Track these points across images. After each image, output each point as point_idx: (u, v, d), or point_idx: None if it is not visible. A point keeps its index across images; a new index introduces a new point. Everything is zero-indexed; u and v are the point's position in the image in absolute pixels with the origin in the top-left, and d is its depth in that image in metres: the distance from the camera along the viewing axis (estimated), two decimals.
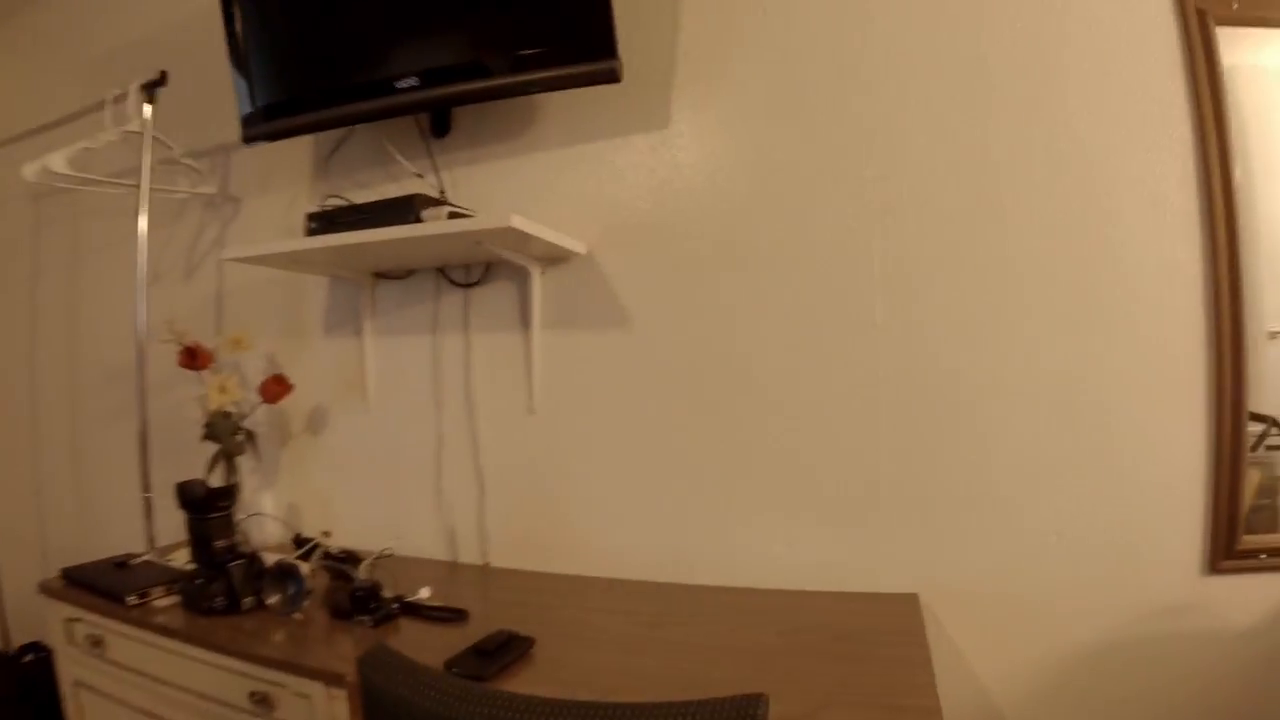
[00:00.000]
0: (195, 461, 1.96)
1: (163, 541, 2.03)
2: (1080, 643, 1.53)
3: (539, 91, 1.72)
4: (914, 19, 1.60)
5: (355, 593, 1.51)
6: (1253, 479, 1.46)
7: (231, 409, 1.96)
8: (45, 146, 2.12)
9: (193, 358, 1.98)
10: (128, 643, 1.63)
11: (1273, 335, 1.44)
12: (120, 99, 2.09)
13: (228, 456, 1.97)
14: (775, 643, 1.38)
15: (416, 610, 1.55)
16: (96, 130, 2.06)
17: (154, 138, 2.09)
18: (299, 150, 2.17)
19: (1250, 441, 1.45)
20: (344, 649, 1.39)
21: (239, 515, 1.76)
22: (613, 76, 1.61)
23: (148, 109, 2.06)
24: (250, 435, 2.03)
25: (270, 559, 1.62)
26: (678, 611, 1.55)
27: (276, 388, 2.00)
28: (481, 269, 1.95)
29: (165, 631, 1.55)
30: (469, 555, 1.97)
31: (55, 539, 2.76)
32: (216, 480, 1.91)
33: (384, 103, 1.80)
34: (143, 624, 1.58)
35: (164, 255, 2.39)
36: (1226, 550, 1.45)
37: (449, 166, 1.98)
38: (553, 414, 1.89)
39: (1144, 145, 1.47)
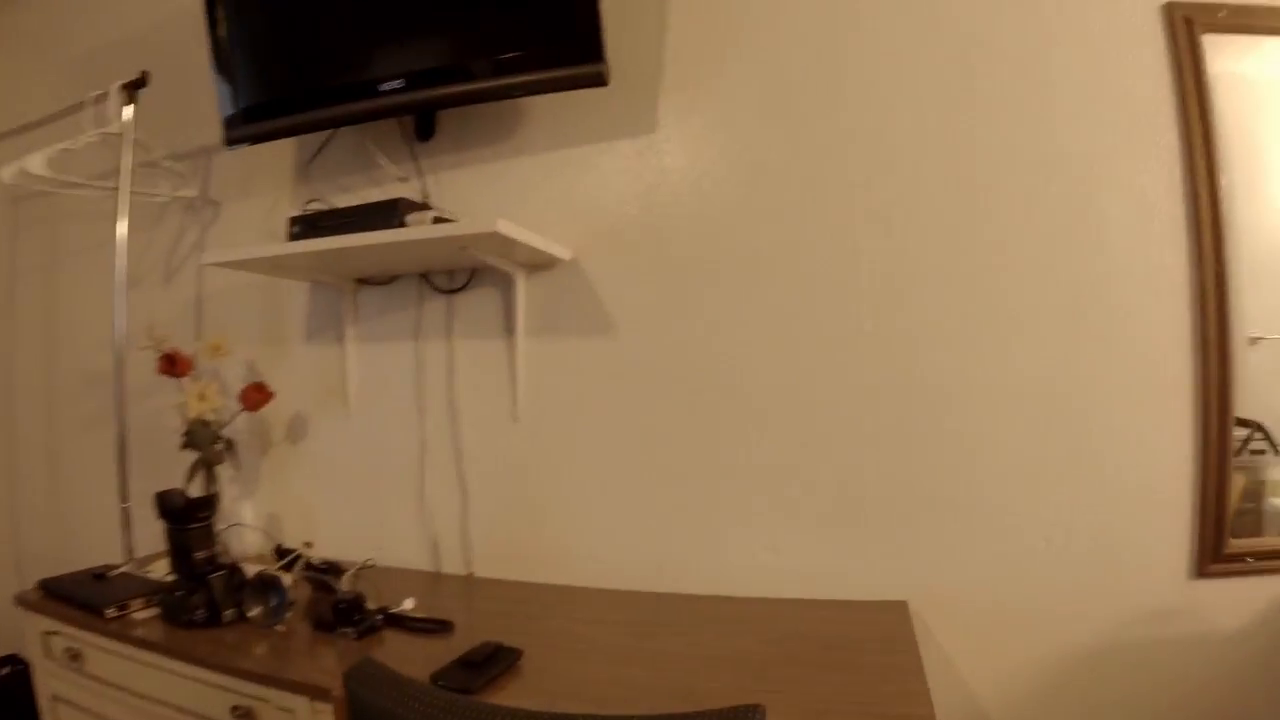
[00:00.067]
0: (174, 470, 1.92)
1: (141, 552, 1.99)
2: (1069, 648, 1.53)
3: (527, 94, 1.70)
4: (902, 25, 1.60)
5: (338, 604, 1.49)
6: (1237, 483, 1.47)
7: (211, 417, 1.94)
8: (24, 148, 2.09)
9: (172, 364, 1.95)
10: (107, 656, 1.60)
11: (1253, 341, 1.45)
12: (100, 100, 2.06)
13: (207, 465, 1.94)
14: (765, 652, 1.36)
15: (401, 622, 1.53)
16: (76, 132, 2.04)
17: (134, 140, 2.06)
18: (281, 154, 2.15)
19: (1234, 446, 1.46)
20: (328, 662, 1.37)
21: (219, 525, 1.73)
22: (599, 80, 1.60)
23: (128, 110, 2.04)
24: (230, 444, 2.00)
25: (251, 570, 1.60)
26: (665, 621, 1.54)
27: (257, 395, 1.97)
28: (465, 275, 1.93)
29: (145, 645, 1.52)
30: (452, 565, 1.95)
31: (30, 549, 2.71)
32: (196, 490, 1.88)
33: (367, 105, 1.79)
34: (122, 637, 1.55)
35: (143, 259, 2.36)
36: (1214, 554, 1.46)
37: (433, 170, 1.96)
38: (537, 422, 1.88)
39: (1131, 151, 1.48)
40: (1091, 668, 1.52)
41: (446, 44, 1.71)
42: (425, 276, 1.98)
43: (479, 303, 1.93)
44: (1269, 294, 1.46)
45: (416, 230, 1.58)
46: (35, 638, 1.75)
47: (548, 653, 1.37)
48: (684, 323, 1.74)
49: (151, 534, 1.80)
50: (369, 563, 1.77)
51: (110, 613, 1.59)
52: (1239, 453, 1.47)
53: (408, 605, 1.58)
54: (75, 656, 1.67)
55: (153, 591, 1.66)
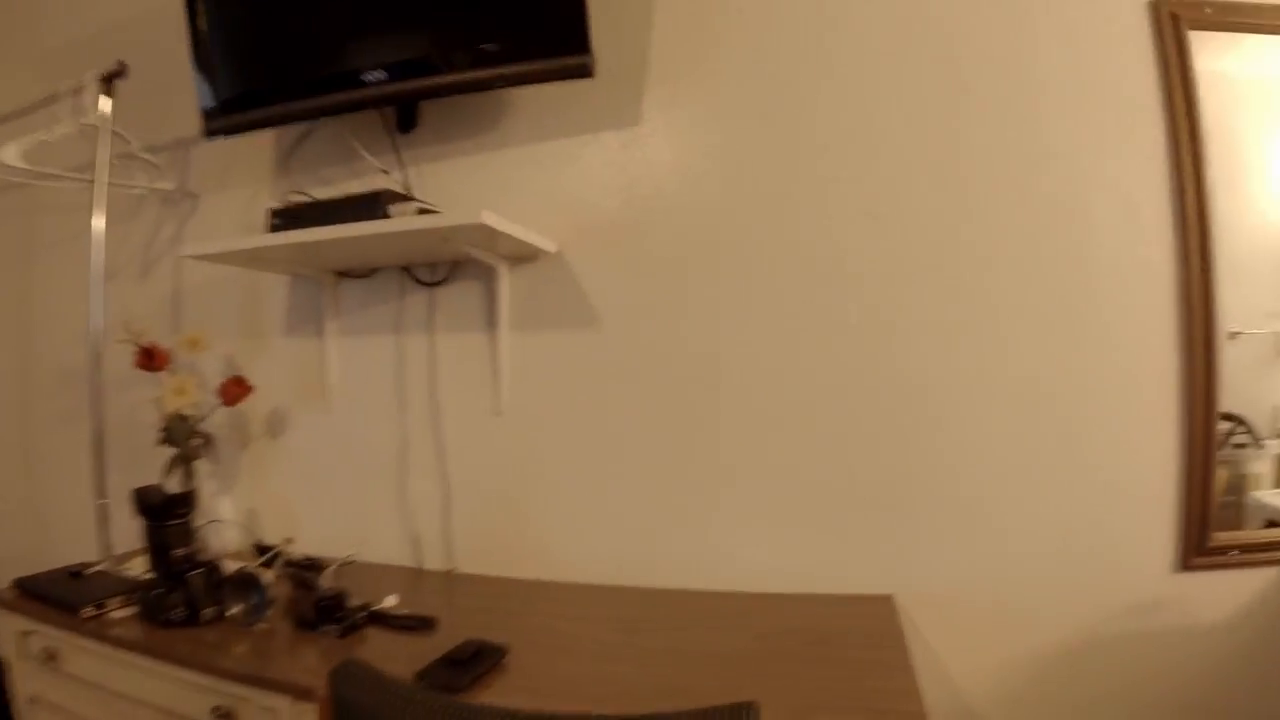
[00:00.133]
0: (152, 466, 1.90)
1: (119, 550, 1.96)
2: (1055, 641, 1.54)
3: (512, 85, 1.68)
4: (888, 21, 1.60)
5: (320, 602, 1.47)
6: (1220, 477, 1.48)
7: (189, 411, 1.91)
8: None
9: (150, 358, 1.92)
10: (84, 656, 1.57)
11: (1233, 335, 1.46)
12: (77, 91, 2.02)
13: (185, 461, 1.92)
14: (753, 647, 1.36)
15: (383, 619, 1.51)
16: (52, 122, 1.99)
17: (112, 131, 2.02)
18: (260, 146, 2.12)
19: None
20: (310, 661, 1.35)
21: (198, 522, 1.71)
22: (585, 71, 1.59)
23: (105, 101, 2.00)
24: (209, 439, 1.98)
25: (231, 567, 1.58)
26: (652, 617, 1.53)
27: (236, 389, 1.95)
28: (447, 267, 1.91)
29: (123, 644, 1.49)
30: (434, 561, 1.93)
31: (4, 547, 2.66)
32: (174, 486, 1.85)
33: (348, 96, 1.76)
34: (100, 636, 1.53)
35: (120, 252, 2.32)
36: (1198, 547, 1.47)
37: (415, 162, 1.94)
38: (520, 416, 1.86)
39: (1117, 148, 1.48)
40: (1077, 661, 1.52)
41: (430, 34, 1.69)
42: (407, 269, 1.96)
43: (461, 296, 1.91)
44: (1248, 289, 1.47)
45: (401, 222, 1.56)
46: (11, 637, 1.72)
47: (533, 650, 1.36)
48: (669, 316, 1.73)
49: (129, 531, 1.77)
50: (350, 559, 1.76)
51: (87, 611, 1.57)
52: (1221, 446, 1.48)
53: (390, 602, 1.56)
54: (52, 656, 1.64)
55: (131, 590, 1.63)
